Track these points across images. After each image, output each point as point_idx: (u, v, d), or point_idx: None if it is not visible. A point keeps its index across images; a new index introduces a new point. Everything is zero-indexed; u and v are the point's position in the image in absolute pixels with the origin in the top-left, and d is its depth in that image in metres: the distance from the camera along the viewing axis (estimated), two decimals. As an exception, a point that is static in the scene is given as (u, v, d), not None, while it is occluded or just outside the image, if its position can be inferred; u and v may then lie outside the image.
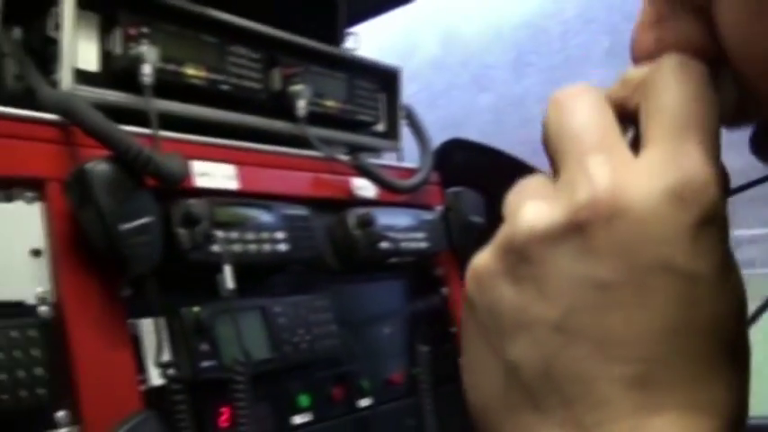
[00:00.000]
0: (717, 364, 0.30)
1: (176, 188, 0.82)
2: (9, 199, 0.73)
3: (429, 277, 1.24)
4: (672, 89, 0.33)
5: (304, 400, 0.97)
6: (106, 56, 0.85)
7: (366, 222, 1.05)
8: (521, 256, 0.31)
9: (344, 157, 1.09)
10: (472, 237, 1.23)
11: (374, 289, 1.15)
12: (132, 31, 0.85)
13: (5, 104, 0.75)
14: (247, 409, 0.84)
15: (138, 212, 0.77)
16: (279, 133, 1.05)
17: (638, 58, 0.36)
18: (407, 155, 1.29)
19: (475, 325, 0.34)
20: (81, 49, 0.82)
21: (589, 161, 0.31)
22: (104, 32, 0.84)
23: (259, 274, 0.94)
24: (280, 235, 0.93)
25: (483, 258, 0.33)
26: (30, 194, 0.74)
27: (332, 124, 1.13)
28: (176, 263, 0.82)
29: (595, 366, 0.30)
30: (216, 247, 0.84)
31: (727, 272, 0.30)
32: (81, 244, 0.76)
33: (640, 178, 0.30)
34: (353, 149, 1.18)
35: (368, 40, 1.29)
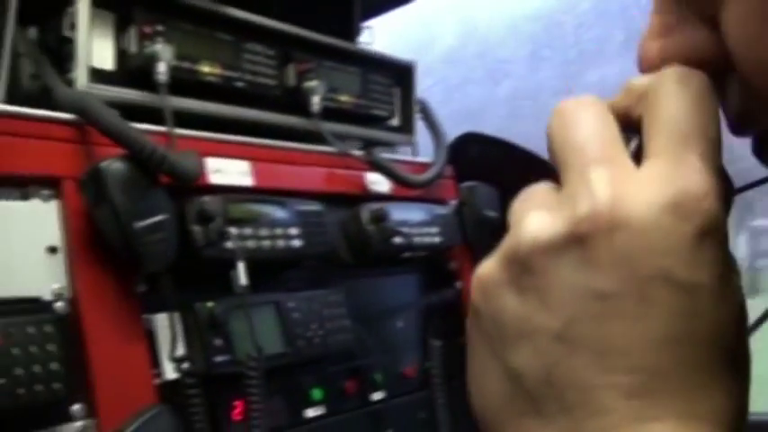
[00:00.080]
0: (717, 373, 0.30)
1: (191, 186, 0.83)
2: (26, 197, 0.74)
3: (443, 271, 1.25)
4: (673, 101, 0.33)
5: (317, 393, 0.98)
6: (121, 54, 0.86)
7: (379, 217, 1.05)
8: (524, 267, 0.32)
9: (358, 153, 1.10)
10: (486, 231, 1.23)
11: (388, 283, 1.16)
12: (147, 30, 0.86)
13: (22, 103, 0.77)
14: (260, 402, 0.85)
15: (153, 210, 0.78)
16: (294, 129, 1.06)
17: (646, 68, 0.37)
18: (422, 149, 1.29)
19: (479, 332, 0.35)
20: (96, 48, 0.83)
21: (591, 173, 0.32)
22: (119, 31, 0.85)
23: (273, 270, 0.95)
24: (293, 231, 0.94)
25: (488, 267, 0.34)
26: (46, 193, 0.75)
27: (346, 119, 1.14)
28: (191, 259, 0.83)
29: (596, 375, 0.30)
30: (230, 244, 0.85)
31: (726, 282, 0.31)
32: (96, 241, 0.77)
33: (641, 191, 0.31)
34: (368, 144, 1.19)
35: (384, 33, 1.29)
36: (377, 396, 1.07)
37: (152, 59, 0.85)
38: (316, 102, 1.04)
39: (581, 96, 0.35)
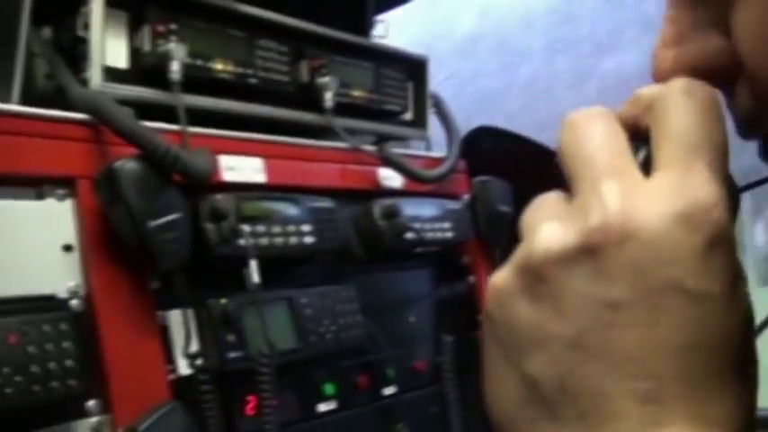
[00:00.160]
0: (727, 378, 0.31)
1: (204, 184, 0.84)
2: (41, 197, 0.75)
3: (456, 265, 1.25)
4: (681, 113, 0.34)
5: (329, 388, 0.99)
6: (135, 53, 0.86)
7: (391, 213, 1.06)
8: (537, 277, 0.33)
9: (370, 148, 1.10)
10: (499, 226, 1.23)
11: (400, 278, 1.16)
12: (160, 28, 0.86)
13: (37, 103, 0.78)
14: (273, 398, 0.86)
15: (167, 209, 0.78)
16: (307, 125, 1.06)
17: (659, 77, 0.38)
18: (436, 142, 1.29)
19: (494, 339, 0.35)
20: (110, 47, 0.83)
21: (602, 186, 0.32)
22: (133, 30, 0.86)
23: (286, 266, 0.96)
24: (305, 228, 0.95)
25: (502, 276, 0.35)
26: (61, 192, 0.76)
27: (359, 114, 1.14)
28: (204, 257, 0.84)
29: (609, 382, 0.31)
30: (242, 242, 0.86)
31: (735, 289, 0.32)
32: (111, 239, 0.78)
33: (651, 202, 0.31)
34: (381, 139, 1.19)
35: (400, 24, 1.29)
36: (389, 390, 1.07)
37: (165, 58, 0.85)
38: (328, 97, 1.05)
39: (590, 108, 0.36)
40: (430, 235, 1.12)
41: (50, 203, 0.75)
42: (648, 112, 0.35)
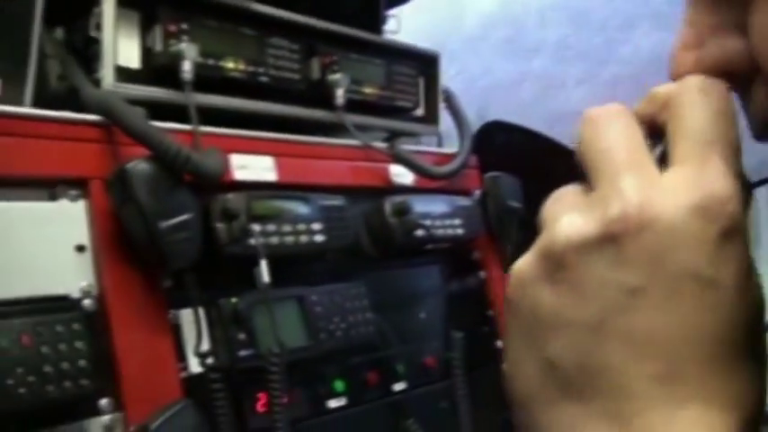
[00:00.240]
0: (738, 363, 0.33)
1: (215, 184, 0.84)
2: (54, 197, 0.76)
3: (466, 261, 1.26)
4: (697, 110, 0.35)
5: (339, 385, 1.00)
6: (147, 53, 0.87)
7: (402, 211, 1.06)
8: (559, 264, 0.34)
9: (381, 145, 1.10)
10: (510, 221, 1.23)
11: (411, 274, 1.16)
12: (172, 28, 0.87)
13: (49, 104, 0.78)
14: (284, 396, 0.87)
15: (178, 209, 0.79)
16: (318, 122, 1.06)
17: (680, 79, 0.38)
18: (447, 137, 1.29)
19: (516, 324, 0.37)
20: (122, 47, 0.84)
21: (621, 179, 0.34)
22: (145, 30, 0.86)
23: (296, 263, 0.97)
24: (316, 226, 0.95)
25: (524, 263, 0.36)
26: (74, 193, 0.77)
27: (371, 111, 1.14)
28: (215, 256, 0.84)
29: (627, 363, 0.33)
30: (253, 241, 0.87)
31: (748, 278, 0.33)
32: (123, 240, 0.78)
33: (668, 194, 0.33)
34: (393, 135, 1.19)
35: (411, 18, 1.29)
36: (399, 387, 1.08)
37: (177, 57, 0.86)
38: (340, 94, 1.05)
39: (609, 106, 0.37)
40: (440, 231, 1.12)
41: (63, 204, 0.76)
42: (664, 110, 0.36)
